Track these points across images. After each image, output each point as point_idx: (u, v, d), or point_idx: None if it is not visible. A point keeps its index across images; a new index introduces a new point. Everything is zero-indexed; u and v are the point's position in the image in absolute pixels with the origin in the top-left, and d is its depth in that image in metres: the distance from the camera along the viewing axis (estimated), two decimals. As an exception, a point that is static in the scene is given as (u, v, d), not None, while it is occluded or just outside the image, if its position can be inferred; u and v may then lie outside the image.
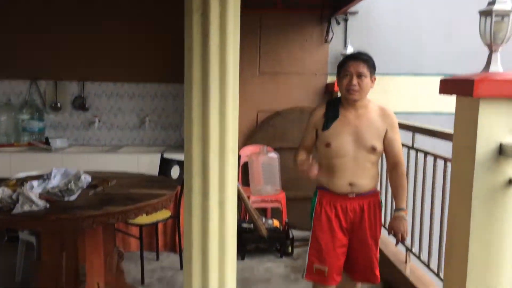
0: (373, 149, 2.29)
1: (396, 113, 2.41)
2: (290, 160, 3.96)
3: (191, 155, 2.06)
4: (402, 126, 2.96)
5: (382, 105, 2.39)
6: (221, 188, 2.06)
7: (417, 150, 2.94)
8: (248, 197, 3.84)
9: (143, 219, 3.16)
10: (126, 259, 3.21)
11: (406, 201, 2.99)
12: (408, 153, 3.04)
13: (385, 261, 3.13)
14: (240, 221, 3.74)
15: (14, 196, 2.50)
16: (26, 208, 2.44)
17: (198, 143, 2.05)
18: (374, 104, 2.36)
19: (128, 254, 3.48)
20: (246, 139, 4.33)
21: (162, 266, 3.54)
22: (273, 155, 4.10)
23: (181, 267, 3.47)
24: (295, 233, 3.79)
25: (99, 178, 3.02)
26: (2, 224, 2.47)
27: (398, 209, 2.34)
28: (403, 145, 3.04)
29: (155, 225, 3.48)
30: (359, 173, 2.30)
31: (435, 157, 2.71)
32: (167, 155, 3.76)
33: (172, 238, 3.80)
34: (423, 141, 2.96)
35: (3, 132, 3.98)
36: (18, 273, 3.22)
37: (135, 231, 3.41)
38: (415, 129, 2.98)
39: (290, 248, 3.75)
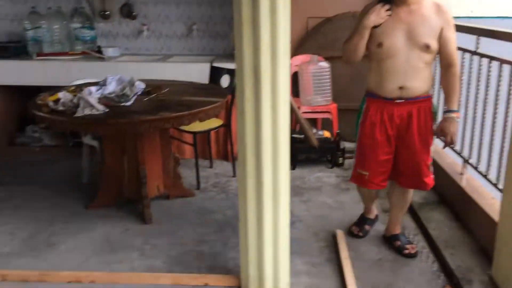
0: (426, 47, 2.19)
1: (456, 19, 2.24)
2: (341, 68, 3.87)
3: (242, 59, 2.01)
4: (465, 29, 2.75)
5: (437, 1, 2.24)
6: (273, 91, 2.03)
7: (481, 55, 2.74)
8: (298, 108, 3.81)
9: (196, 126, 3.21)
10: (181, 165, 3.35)
11: (466, 108, 2.88)
12: (471, 59, 2.84)
13: (440, 172, 3.07)
14: (290, 131, 3.74)
15: (75, 100, 2.60)
16: (87, 111, 2.53)
17: (249, 47, 2.00)
18: (428, 1, 2.22)
19: (183, 161, 3.60)
20: (296, 48, 4.18)
21: (215, 173, 3.66)
22: (324, 64, 3.97)
23: (234, 175, 3.59)
24: (347, 144, 3.77)
25: (152, 86, 3.07)
26: (66, 126, 2.59)
27: (449, 110, 2.27)
28: (465, 50, 2.86)
29: (207, 133, 3.55)
30: (411, 75, 2.22)
31: (501, 62, 2.52)
32: (216, 64, 3.72)
33: (224, 147, 3.89)
34: (486, 47, 2.75)
35: (58, 41, 4.04)
36: (84, 175, 3.45)
37: (188, 139, 3.50)
38: (480, 32, 2.74)
39: (341, 159, 3.75)
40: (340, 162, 3.75)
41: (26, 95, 4.01)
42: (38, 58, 3.93)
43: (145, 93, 2.94)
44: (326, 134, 3.83)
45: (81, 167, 3.45)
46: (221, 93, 3.10)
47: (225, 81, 3.61)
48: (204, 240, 2.67)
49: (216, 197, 3.25)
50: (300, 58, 4.10)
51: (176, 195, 3.18)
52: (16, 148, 4.09)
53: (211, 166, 3.76)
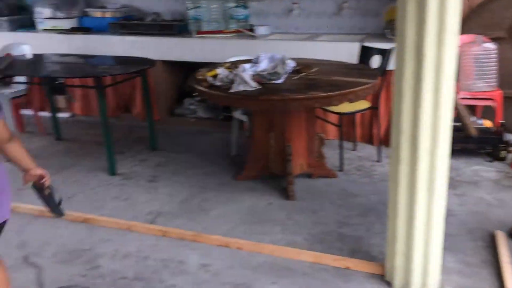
0: None
1: None
2: (510, 51, 3.42)
3: (403, 37, 1.88)
4: None
5: None
6: (437, 74, 1.87)
7: None
8: (456, 93, 3.48)
9: (343, 107, 3.15)
10: (324, 146, 3.32)
11: None
12: None
13: None
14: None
15: (231, 77, 2.73)
16: (242, 87, 2.64)
17: (413, 24, 1.86)
18: None
19: (326, 141, 3.57)
20: (457, 27, 3.81)
21: (359, 156, 3.57)
22: (489, 45, 3.55)
23: (379, 159, 3.46)
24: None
25: (301, 64, 3.08)
26: (222, 100, 2.74)
27: None
28: None
29: (353, 115, 3.46)
30: None
31: None
32: (367, 44, 3.58)
33: (369, 130, 3.76)
34: None
35: (215, 19, 4.29)
36: (233, 148, 3.65)
37: (333, 119, 3.45)
38: None
39: (503, 153, 3.32)
40: (503, 156, 3.33)
41: (185, 70, 4.38)
42: (198, 35, 4.22)
43: (295, 71, 2.96)
44: (487, 123, 3.44)
45: (230, 139, 3.66)
46: (372, 74, 2.98)
47: (375, 61, 3.46)
48: (346, 223, 2.64)
49: (359, 180, 3.17)
50: (462, 38, 3.71)
51: (318, 175, 3.18)
52: (174, 118, 4.50)
53: (354, 149, 3.67)
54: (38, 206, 2.86)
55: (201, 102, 4.38)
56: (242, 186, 3.11)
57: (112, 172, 3.37)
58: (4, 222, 1.64)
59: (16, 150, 1.63)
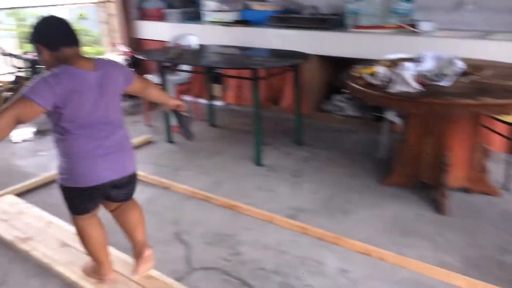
0: None
1: None
2: None
3: None
4: None
5: None
6: None
7: None
8: None
9: (516, 117, 2.74)
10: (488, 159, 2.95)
11: None
12: None
13: None
14: None
15: (390, 75, 2.57)
16: (401, 88, 2.47)
17: None
18: None
19: (491, 154, 3.16)
20: None
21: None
22: None
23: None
24: None
25: (473, 66, 2.76)
26: (377, 100, 2.58)
27: None
28: None
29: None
30: None
31: None
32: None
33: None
34: None
35: (373, 14, 4.10)
36: (380, 150, 3.47)
37: (501, 129, 3.03)
38: None
39: None
40: None
41: (335, 65, 4.30)
42: (353, 30, 4.08)
43: (464, 73, 2.67)
44: None
45: (378, 141, 3.48)
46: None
47: None
48: (508, 250, 2.30)
49: (529, 203, 2.74)
50: None
51: (477, 191, 2.83)
52: (321, 114, 4.45)
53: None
54: (191, 188, 3.10)
55: (350, 99, 4.25)
56: (388, 191, 2.93)
57: (257, 162, 3.47)
58: (135, 174, 2.00)
59: (155, 92, 2.08)
